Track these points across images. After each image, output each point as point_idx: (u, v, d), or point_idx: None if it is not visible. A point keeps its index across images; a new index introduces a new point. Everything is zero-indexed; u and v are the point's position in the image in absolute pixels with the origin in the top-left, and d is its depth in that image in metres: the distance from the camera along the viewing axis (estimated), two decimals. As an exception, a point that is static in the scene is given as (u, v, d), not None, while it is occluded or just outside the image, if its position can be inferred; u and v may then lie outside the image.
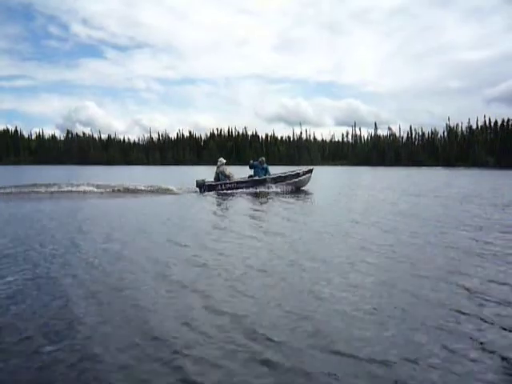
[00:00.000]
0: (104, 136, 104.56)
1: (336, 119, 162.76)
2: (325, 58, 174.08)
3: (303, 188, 15.37)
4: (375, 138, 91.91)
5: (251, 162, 15.15)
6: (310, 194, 14.07)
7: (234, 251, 5.08)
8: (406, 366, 2.29)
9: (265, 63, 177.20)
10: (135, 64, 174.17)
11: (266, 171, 14.87)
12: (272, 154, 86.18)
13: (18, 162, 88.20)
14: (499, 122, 70.81)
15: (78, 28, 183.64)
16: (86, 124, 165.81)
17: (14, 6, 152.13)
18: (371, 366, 2.28)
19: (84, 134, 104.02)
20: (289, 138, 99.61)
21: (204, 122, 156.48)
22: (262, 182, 14.48)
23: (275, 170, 16.28)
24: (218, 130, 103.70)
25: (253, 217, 8.34)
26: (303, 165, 50.58)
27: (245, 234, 6.27)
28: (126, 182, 16.12)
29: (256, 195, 13.20)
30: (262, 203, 11.04)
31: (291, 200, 11.71)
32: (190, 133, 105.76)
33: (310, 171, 15.46)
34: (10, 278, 3.90)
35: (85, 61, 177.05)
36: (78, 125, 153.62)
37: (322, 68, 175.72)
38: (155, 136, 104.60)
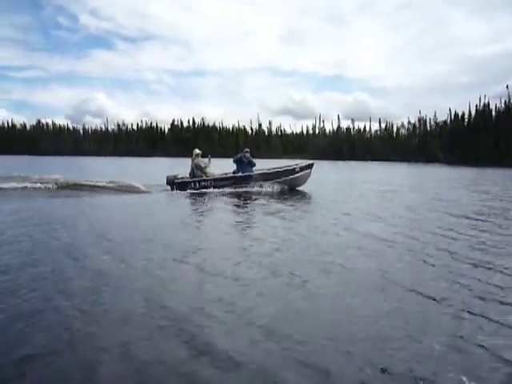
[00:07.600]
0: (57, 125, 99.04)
1: (344, 113, 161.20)
2: (332, 51, 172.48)
3: (300, 187, 12.53)
4: (334, 132, 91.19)
5: (240, 155, 12.22)
6: (310, 197, 11.11)
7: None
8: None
9: (272, 55, 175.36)
10: (144, 55, 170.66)
11: (251, 165, 12.25)
12: (229, 145, 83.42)
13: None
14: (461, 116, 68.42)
15: (86, 19, 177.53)
16: (95, 115, 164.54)
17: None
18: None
19: (39, 122, 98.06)
20: (251, 129, 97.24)
21: (211, 114, 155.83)
22: (248, 180, 11.94)
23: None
24: (176, 120, 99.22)
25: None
26: (261, 158, 46.97)
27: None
28: (80, 177, 13.51)
29: (238, 197, 10.53)
30: (242, 211, 8.91)
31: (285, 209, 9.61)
32: (146, 123, 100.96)
33: (310, 166, 12.46)
34: None
35: (94, 52, 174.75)
36: (87, 116, 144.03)
37: (329, 61, 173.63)
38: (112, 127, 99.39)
